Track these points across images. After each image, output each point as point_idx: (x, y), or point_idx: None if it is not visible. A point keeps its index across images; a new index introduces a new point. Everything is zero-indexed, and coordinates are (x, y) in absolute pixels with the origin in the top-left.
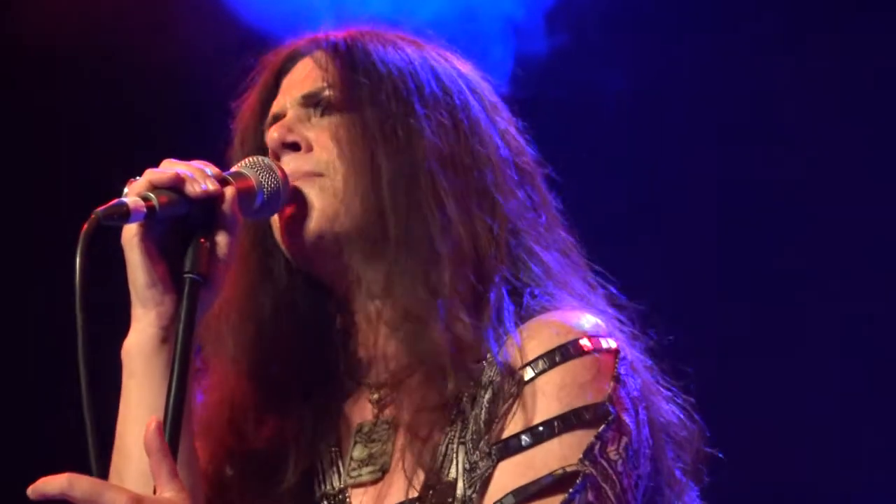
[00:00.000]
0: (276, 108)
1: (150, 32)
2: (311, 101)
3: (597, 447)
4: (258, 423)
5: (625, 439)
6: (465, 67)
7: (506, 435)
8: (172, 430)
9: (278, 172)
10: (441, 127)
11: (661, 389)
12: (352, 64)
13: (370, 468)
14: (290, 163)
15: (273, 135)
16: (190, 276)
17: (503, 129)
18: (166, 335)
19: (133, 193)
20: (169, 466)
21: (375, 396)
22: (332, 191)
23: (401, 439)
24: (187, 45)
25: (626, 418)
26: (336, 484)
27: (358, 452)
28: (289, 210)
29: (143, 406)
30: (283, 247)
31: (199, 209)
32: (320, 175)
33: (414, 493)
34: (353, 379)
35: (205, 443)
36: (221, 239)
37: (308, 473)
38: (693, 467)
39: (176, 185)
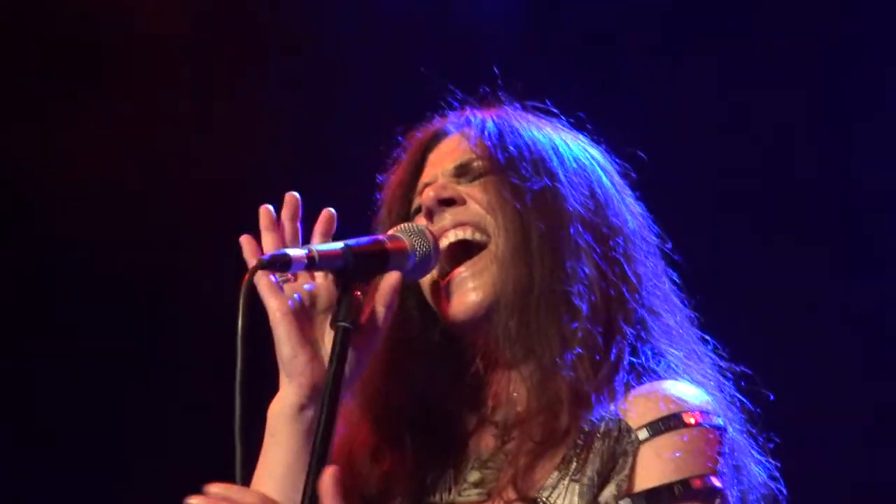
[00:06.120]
0: (426, 178)
1: None
2: (463, 171)
3: None
4: (374, 461)
5: None
6: (594, 150)
7: (631, 490)
8: (315, 472)
9: (429, 237)
10: (581, 196)
11: (752, 451)
12: (500, 137)
13: (479, 490)
14: (445, 216)
15: (430, 193)
16: (342, 324)
17: (630, 204)
18: (306, 403)
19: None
20: None
21: (499, 432)
22: (490, 257)
23: (512, 469)
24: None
25: (728, 494)
26: (446, 501)
27: (473, 477)
28: (451, 276)
29: (278, 464)
30: (439, 311)
31: (355, 264)
32: (476, 228)
33: None
34: (479, 417)
35: None
36: (378, 293)
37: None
38: None
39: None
